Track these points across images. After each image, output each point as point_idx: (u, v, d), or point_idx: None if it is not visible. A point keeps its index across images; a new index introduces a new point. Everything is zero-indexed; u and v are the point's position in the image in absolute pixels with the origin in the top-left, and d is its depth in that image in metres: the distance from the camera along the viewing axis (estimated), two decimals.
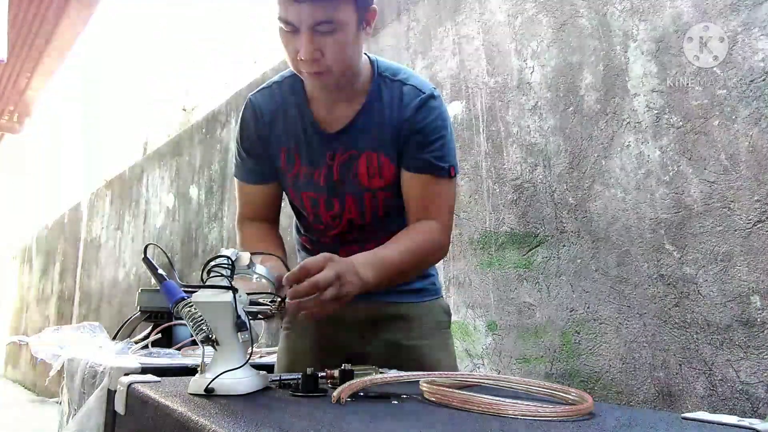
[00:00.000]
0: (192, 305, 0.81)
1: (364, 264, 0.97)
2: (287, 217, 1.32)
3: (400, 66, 1.18)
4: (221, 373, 0.77)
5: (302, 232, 1.28)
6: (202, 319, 0.80)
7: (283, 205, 1.30)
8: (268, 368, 1.24)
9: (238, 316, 0.81)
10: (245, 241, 1.22)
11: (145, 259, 0.88)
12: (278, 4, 0.98)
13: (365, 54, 1.13)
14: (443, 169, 1.10)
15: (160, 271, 0.88)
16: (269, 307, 0.89)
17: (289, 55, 1.03)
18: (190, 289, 0.85)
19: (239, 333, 0.81)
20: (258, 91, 1.19)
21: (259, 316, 0.91)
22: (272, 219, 1.27)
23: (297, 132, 1.14)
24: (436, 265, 1.29)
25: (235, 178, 1.25)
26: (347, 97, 1.11)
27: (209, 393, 0.76)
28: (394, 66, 1.16)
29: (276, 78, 1.19)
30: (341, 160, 1.12)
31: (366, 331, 1.19)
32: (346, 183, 1.13)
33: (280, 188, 1.24)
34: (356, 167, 1.12)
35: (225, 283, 0.81)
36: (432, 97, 1.11)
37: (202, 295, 0.80)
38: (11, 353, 9.68)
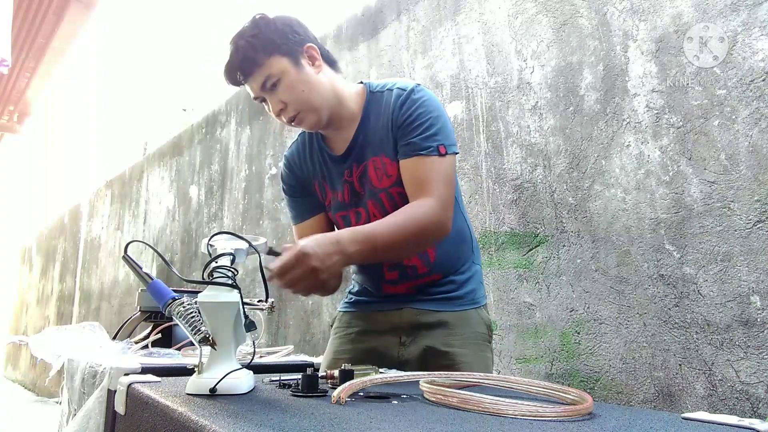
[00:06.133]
0: (185, 305, 0.81)
1: (348, 239, 1.03)
2: None
3: (390, 79, 1.27)
4: (229, 373, 0.77)
5: None
6: (199, 320, 0.80)
7: None
8: (268, 368, 1.24)
9: (246, 316, 0.81)
10: None
11: (126, 258, 0.88)
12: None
13: (361, 82, 1.27)
14: (430, 148, 1.13)
15: (145, 270, 0.87)
16: (266, 306, 0.89)
17: (276, 119, 1.21)
18: (192, 285, 0.85)
19: (248, 333, 0.82)
20: (289, 148, 1.37)
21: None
22: None
23: (320, 164, 1.28)
24: (480, 274, 1.30)
25: (293, 228, 1.37)
26: (347, 123, 1.23)
27: (213, 393, 0.75)
28: (383, 81, 1.26)
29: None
30: (357, 173, 1.22)
31: (405, 337, 1.22)
32: (364, 191, 1.22)
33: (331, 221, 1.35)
34: (367, 174, 1.21)
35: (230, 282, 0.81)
36: (412, 91, 1.18)
37: (207, 296, 0.80)
38: (11, 353, 9.68)
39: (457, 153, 1.18)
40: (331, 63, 1.24)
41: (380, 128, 1.19)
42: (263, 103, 1.20)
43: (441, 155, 1.13)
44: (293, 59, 1.16)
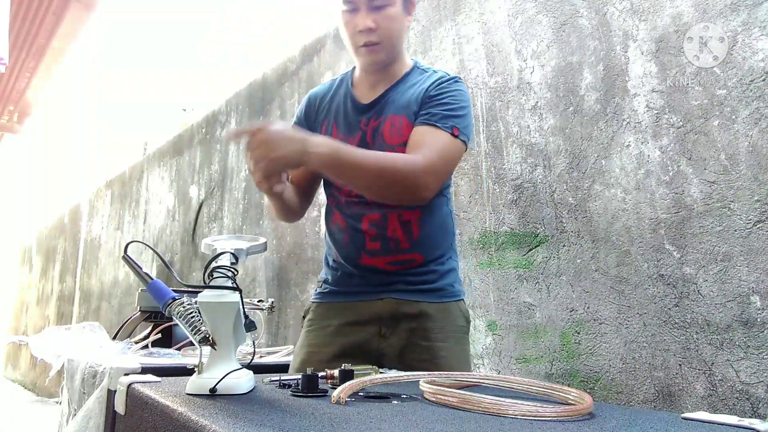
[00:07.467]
0: (185, 305, 0.81)
1: (318, 139, 1.10)
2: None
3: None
4: (229, 373, 0.77)
5: (332, 209, 1.33)
6: (199, 320, 0.80)
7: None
8: (268, 368, 1.24)
9: (246, 316, 0.82)
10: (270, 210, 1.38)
11: (126, 258, 0.88)
12: None
13: (412, 58, 1.34)
14: (446, 124, 1.17)
15: (145, 270, 0.87)
16: (266, 306, 0.89)
17: (348, 32, 1.24)
18: (193, 289, 0.85)
19: (248, 333, 0.82)
20: (315, 88, 1.41)
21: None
22: (301, 200, 1.37)
23: (338, 107, 1.32)
24: (458, 272, 1.30)
25: None
26: (386, 78, 1.29)
27: (213, 393, 0.75)
28: (431, 67, 1.35)
29: (336, 77, 1.41)
30: (373, 125, 1.26)
31: (385, 329, 1.21)
32: (374, 144, 1.24)
33: (316, 179, 1.37)
34: (381, 128, 1.25)
35: (229, 283, 0.81)
36: (453, 78, 1.26)
37: (208, 296, 0.80)
38: (11, 353, 9.68)
39: (469, 146, 1.21)
40: None
41: (411, 96, 1.25)
42: (351, 13, 1.21)
43: (453, 135, 1.17)
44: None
